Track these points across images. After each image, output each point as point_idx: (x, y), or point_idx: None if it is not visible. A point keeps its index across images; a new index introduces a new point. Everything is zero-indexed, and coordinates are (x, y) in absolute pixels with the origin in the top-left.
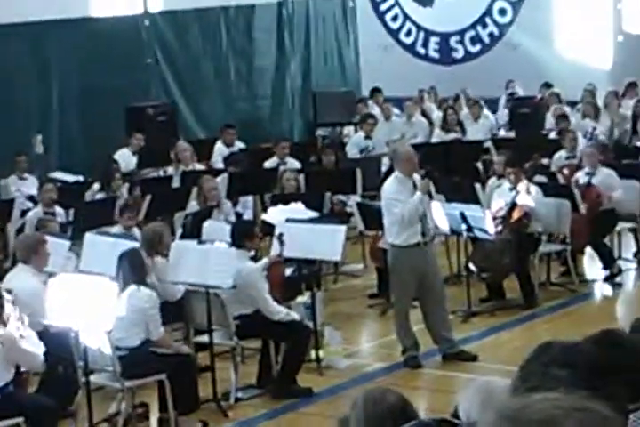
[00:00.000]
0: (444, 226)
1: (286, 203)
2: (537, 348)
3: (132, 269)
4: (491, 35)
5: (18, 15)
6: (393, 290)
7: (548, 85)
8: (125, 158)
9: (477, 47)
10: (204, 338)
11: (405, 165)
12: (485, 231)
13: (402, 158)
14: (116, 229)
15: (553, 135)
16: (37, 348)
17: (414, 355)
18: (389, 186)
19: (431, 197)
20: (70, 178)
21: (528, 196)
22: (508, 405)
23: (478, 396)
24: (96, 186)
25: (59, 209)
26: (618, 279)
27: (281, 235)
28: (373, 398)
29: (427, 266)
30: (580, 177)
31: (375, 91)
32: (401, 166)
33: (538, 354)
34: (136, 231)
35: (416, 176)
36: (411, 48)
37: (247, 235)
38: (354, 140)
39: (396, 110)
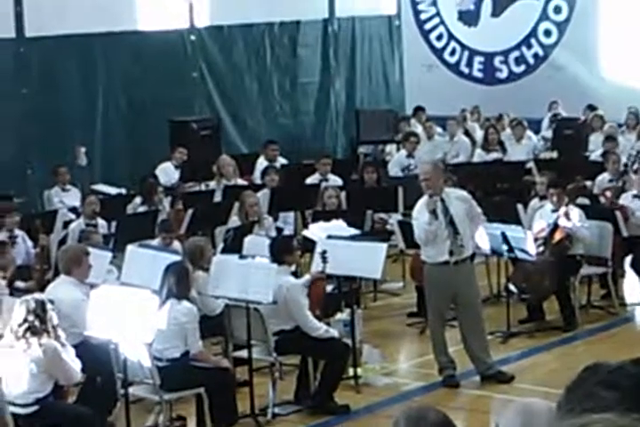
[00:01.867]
0: (485, 246)
1: (327, 220)
2: (585, 369)
3: (178, 283)
4: (535, 55)
5: (67, 27)
6: (427, 307)
7: (592, 108)
8: (168, 172)
9: (522, 68)
10: (243, 353)
11: (423, 185)
12: (526, 252)
13: (420, 178)
14: (155, 242)
15: (594, 157)
16: (75, 362)
17: (451, 374)
18: (417, 205)
19: (476, 216)
20: (113, 190)
21: (568, 220)
22: (562, 425)
23: (519, 417)
24: (138, 199)
25: (101, 221)
26: None
27: (324, 252)
28: (416, 417)
29: (459, 285)
30: (625, 199)
31: (418, 109)
32: (422, 185)
33: (586, 375)
34: (176, 245)
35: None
36: (455, 67)
37: (286, 250)
38: (396, 159)
39: (438, 129)
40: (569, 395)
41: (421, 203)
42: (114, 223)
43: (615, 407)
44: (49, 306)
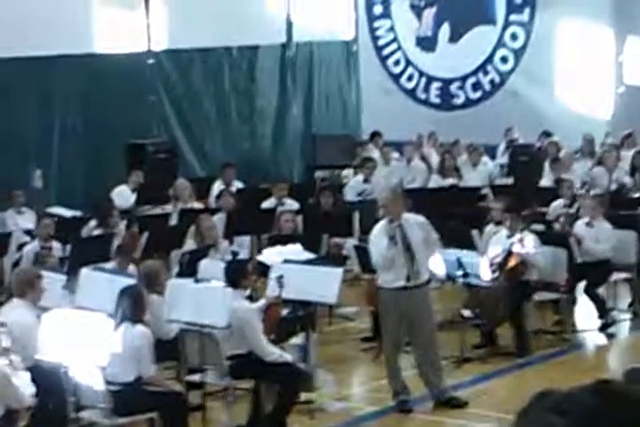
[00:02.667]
0: (441, 271)
1: (283, 244)
2: (535, 395)
3: (132, 306)
4: (492, 82)
5: (23, 49)
6: (382, 333)
7: (547, 134)
8: (124, 195)
9: (478, 94)
10: (197, 377)
11: (381, 211)
12: (481, 278)
13: (379, 204)
14: (110, 265)
15: (543, 183)
16: (27, 386)
17: (405, 399)
18: (374, 229)
19: (433, 242)
20: (68, 213)
21: (525, 244)
22: None
23: None
24: (93, 222)
25: (56, 244)
26: (611, 330)
27: (281, 277)
28: None
29: (415, 310)
30: (579, 227)
31: (375, 134)
32: (380, 211)
33: (536, 401)
34: (132, 268)
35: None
36: (412, 93)
37: (241, 274)
38: (352, 184)
39: (395, 154)
40: (519, 421)
41: (379, 228)
42: (69, 246)
43: None
44: (0, 329)
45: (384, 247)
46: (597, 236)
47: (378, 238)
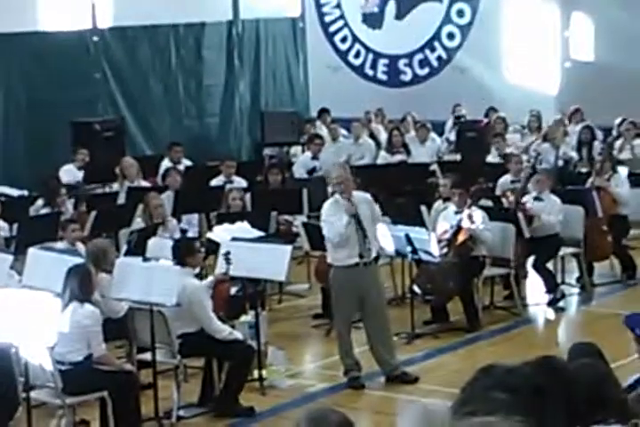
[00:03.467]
0: (390, 248)
1: (232, 222)
2: (478, 371)
3: (80, 285)
4: (439, 58)
5: None
6: (334, 310)
7: (494, 110)
8: (71, 174)
9: (425, 70)
10: (147, 356)
11: (336, 187)
12: (430, 254)
13: (335, 182)
14: (60, 244)
15: (490, 158)
16: None
17: (356, 376)
18: (325, 207)
19: (377, 218)
20: (15, 192)
21: (471, 223)
22: None
23: (418, 420)
24: (40, 201)
25: (2, 223)
26: (561, 304)
27: (227, 253)
28: (317, 418)
29: (367, 287)
30: (528, 201)
31: (323, 111)
32: (334, 188)
33: (479, 377)
34: (81, 247)
35: (342, 200)
36: (359, 70)
37: (189, 252)
38: (301, 161)
39: (343, 131)
40: (461, 396)
41: (332, 205)
42: (15, 225)
43: (501, 410)
44: None
45: (342, 225)
46: (548, 209)
47: (334, 216)
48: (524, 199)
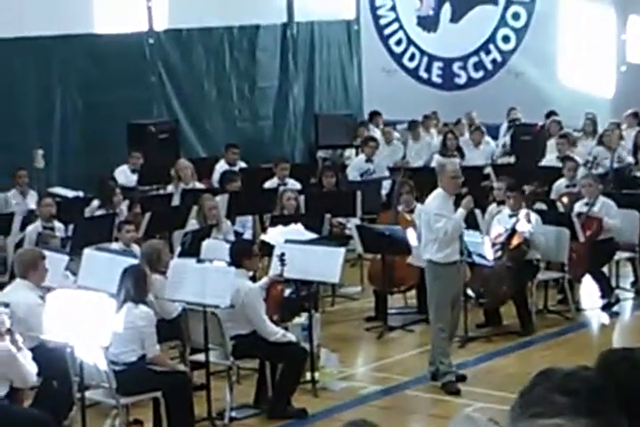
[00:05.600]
0: None
1: (286, 224)
2: (538, 374)
3: (135, 286)
4: (494, 61)
5: (23, 30)
6: (435, 309)
7: (554, 113)
8: (125, 175)
9: (480, 73)
10: (201, 357)
11: (450, 183)
12: (484, 257)
13: (448, 176)
14: (115, 245)
15: (545, 162)
16: (31, 365)
17: (453, 380)
18: (433, 201)
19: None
20: (70, 193)
21: (528, 223)
22: None
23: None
24: (95, 202)
25: (58, 224)
26: (615, 308)
27: (282, 255)
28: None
29: (460, 286)
30: (579, 207)
31: (374, 114)
32: (446, 183)
33: (539, 380)
34: (136, 248)
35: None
36: (413, 73)
37: (246, 254)
38: (355, 163)
39: (396, 134)
40: (521, 400)
41: (440, 200)
42: (71, 226)
43: (565, 412)
44: (2, 309)
45: (460, 219)
46: (605, 214)
47: (445, 211)
48: (576, 205)
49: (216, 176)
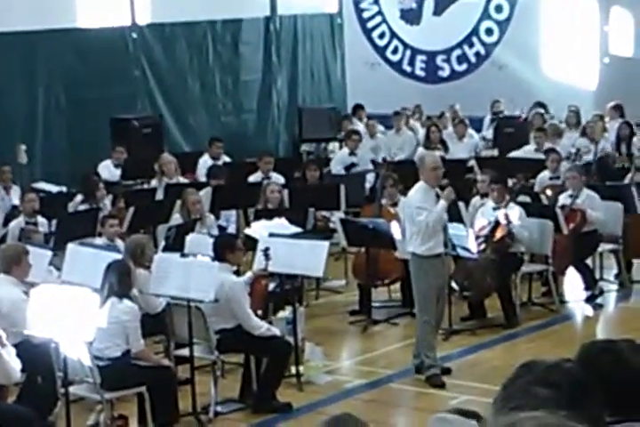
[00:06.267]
0: None
1: (270, 218)
2: (520, 367)
3: (119, 281)
4: (477, 54)
5: (4, 24)
6: (420, 301)
7: (541, 105)
8: (109, 170)
9: (464, 66)
10: (185, 351)
11: (431, 175)
12: (468, 250)
13: (429, 167)
14: (99, 240)
15: (522, 153)
16: (15, 361)
17: (438, 373)
18: (414, 195)
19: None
20: (54, 188)
21: (511, 215)
22: (495, 423)
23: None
24: (79, 197)
25: (41, 219)
26: (599, 300)
27: (267, 249)
28: (336, 419)
29: (446, 277)
30: (563, 199)
31: (358, 107)
32: (426, 176)
33: (521, 373)
34: (119, 243)
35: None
36: (397, 66)
37: (229, 248)
38: (338, 157)
39: (380, 128)
40: (504, 392)
41: (420, 192)
42: (54, 222)
43: (546, 405)
44: None
45: (441, 211)
46: (586, 206)
47: (426, 203)
48: (560, 197)
49: (200, 170)
